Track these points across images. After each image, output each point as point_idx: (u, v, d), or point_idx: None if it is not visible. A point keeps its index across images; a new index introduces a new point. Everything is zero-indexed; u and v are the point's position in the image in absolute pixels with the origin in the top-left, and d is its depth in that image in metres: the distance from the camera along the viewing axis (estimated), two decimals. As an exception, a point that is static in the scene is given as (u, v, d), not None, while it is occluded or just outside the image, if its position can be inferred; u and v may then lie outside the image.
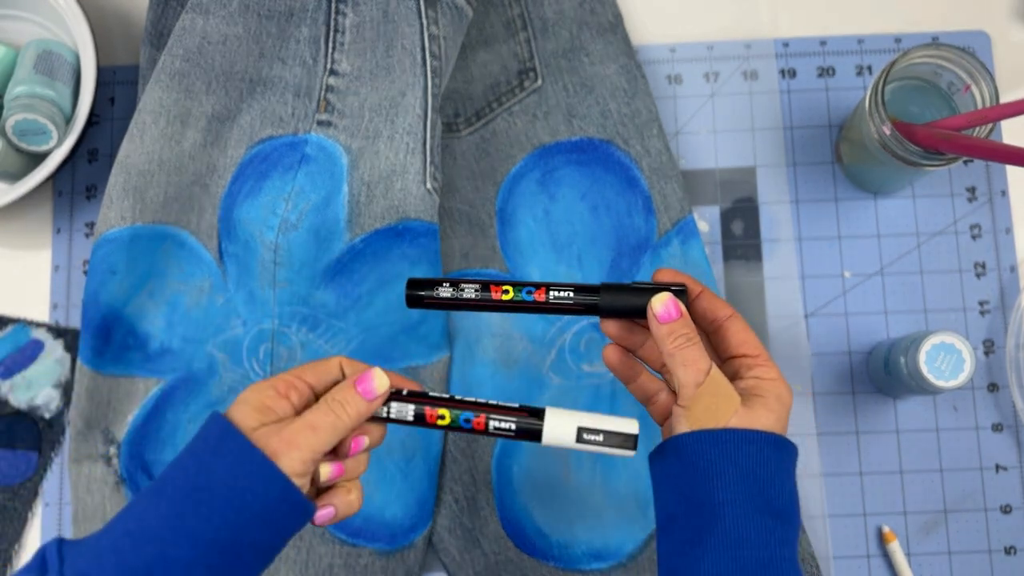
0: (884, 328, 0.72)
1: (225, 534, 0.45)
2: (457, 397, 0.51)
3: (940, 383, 0.62)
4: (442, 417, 0.50)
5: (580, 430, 0.49)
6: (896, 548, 0.68)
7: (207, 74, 0.69)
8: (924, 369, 0.62)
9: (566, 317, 0.70)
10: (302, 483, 0.47)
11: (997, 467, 0.70)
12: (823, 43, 0.75)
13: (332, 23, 0.70)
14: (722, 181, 0.74)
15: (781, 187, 0.74)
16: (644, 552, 0.67)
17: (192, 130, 0.69)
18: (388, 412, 0.50)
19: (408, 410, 0.50)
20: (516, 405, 0.50)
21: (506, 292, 0.53)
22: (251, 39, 0.70)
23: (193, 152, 0.69)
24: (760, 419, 0.48)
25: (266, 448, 0.46)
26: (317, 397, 0.49)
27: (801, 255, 0.73)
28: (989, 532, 0.69)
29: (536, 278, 0.71)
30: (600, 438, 0.49)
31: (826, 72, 0.75)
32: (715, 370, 0.48)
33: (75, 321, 0.73)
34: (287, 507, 0.46)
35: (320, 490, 0.50)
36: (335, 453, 0.50)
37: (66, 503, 0.71)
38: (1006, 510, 0.69)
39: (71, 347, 0.73)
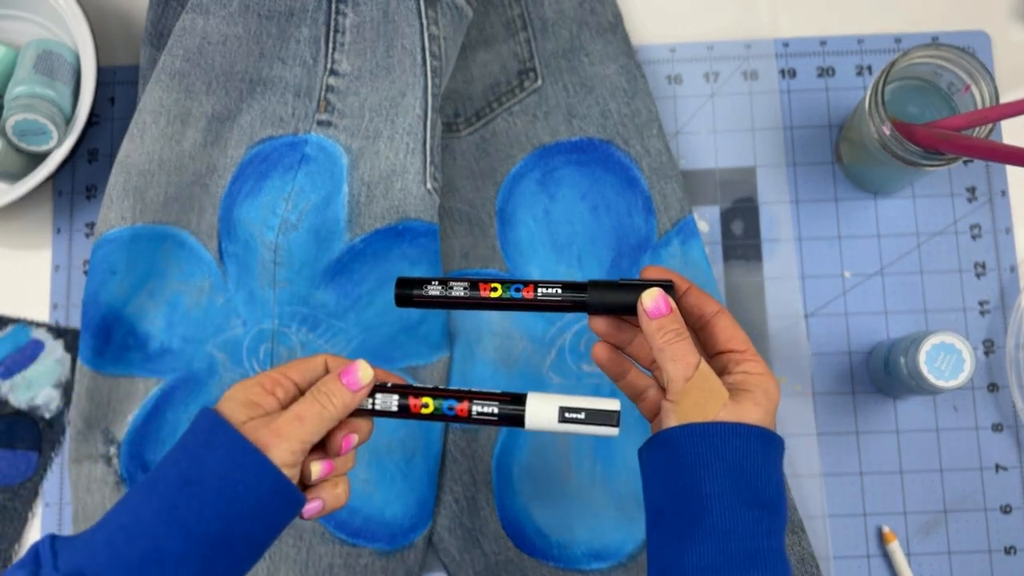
0: (884, 328, 0.72)
1: (217, 527, 0.45)
2: (441, 388, 0.51)
3: (940, 383, 0.62)
4: (426, 406, 0.50)
5: (562, 410, 0.49)
6: (896, 548, 0.68)
7: (207, 74, 0.69)
8: (924, 369, 0.62)
9: (566, 317, 0.70)
10: (292, 474, 0.47)
11: (997, 467, 0.70)
12: (823, 43, 0.75)
13: (332, 23, 0.70)
14: (722, 181, 0.74)
15: (781, 187, 0.74)
16: (644, 552, 0.67)
17: (192, 130, 0.69)
18: (373, 405, 0.51)
19: (392, 401, 0.51)
20: (499, 391, 0.50)
21: (495, 290, 0.54)
22: (251, 39, 0.70)
23: (193, 152, 0.69)
24: (748, 413, 0.48)
25: (256, 440, 0.46)
26: (302, 393, 0.50)
27: (801, 255, 0.73)
28: (989, 532, 0.69)
29: (536, 278, 0.70)
30: (582, 416, 0.49)
31: (826, 72, 0.75)
32: (704, 365, 0.49)
33: (75, 321, 0.73)
34: (278, 498, 0.47)
35: (307, 485, 0.50)
36: (325, 451, 0.50)
37: (66, 503, 0.71)
38: (1006, 510, 0.69)
39: (71, 347, 0.73)
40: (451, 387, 0.51)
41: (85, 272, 0.74)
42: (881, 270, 0.72)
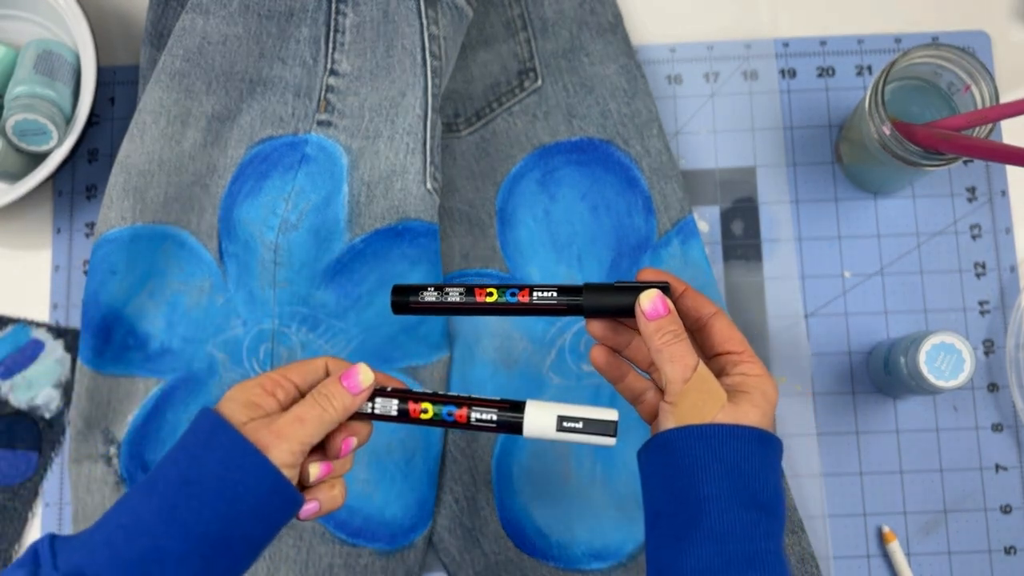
0: (884, 328, 0.72)
1: (216, 526, 0.45)
2: (440, 393, 0.51)
3: (940, 383, 0.62)
4: (425, 411, 0.50)
5: (560, 419, 0.49)
6: (896, 548, 0.68)
7: (207, 74, 0.69)
8: (924, 369, 0.62)
9: (566, 317, 0.70)
10: (291, 475, 0.47)
11: (997, 467, 0.70)
12: (823, 43, 0.75)
13: (332, 23, 0.70)
14: (722, 181, 0.74)
15: (781, 187, 0.74)
16: (644, 552, 0.67)
17: (192, 130, 0.69)
18: (373, 408, 0.51)
19: (392, 405, 0.51)
20: (498, 398, 0.51)
21: (490, 295, 0.54)
22: (251, 39, 0.70)
23: (193, 152, 0.69)
24: (746, 415, 0.48)
25: (256, 441, 0.46)
26: (302, 395, 0.50)
27: (801, 255, 0.73)
28: (989, 532, 0.69)
29: (536, 278, 0.71)
30: (580, 425, 0.49)
31: (826, 72, 0.75)
32: (702, 366, 0.49)
33: (75, 321, 0.73)
34: (277, 498, 0.47)
35: (305, 486, 0.50)
36: (324, 453, 0.50)
37: (66, 503, 0.71)
38: (1006, 510, 0.69)
39: (71, 347, 0.73)
40: (451, 392, 0.51)
41: (85, 272, 0.74)
42: (881, 270, 0.72)
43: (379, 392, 0.51)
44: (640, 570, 0.67)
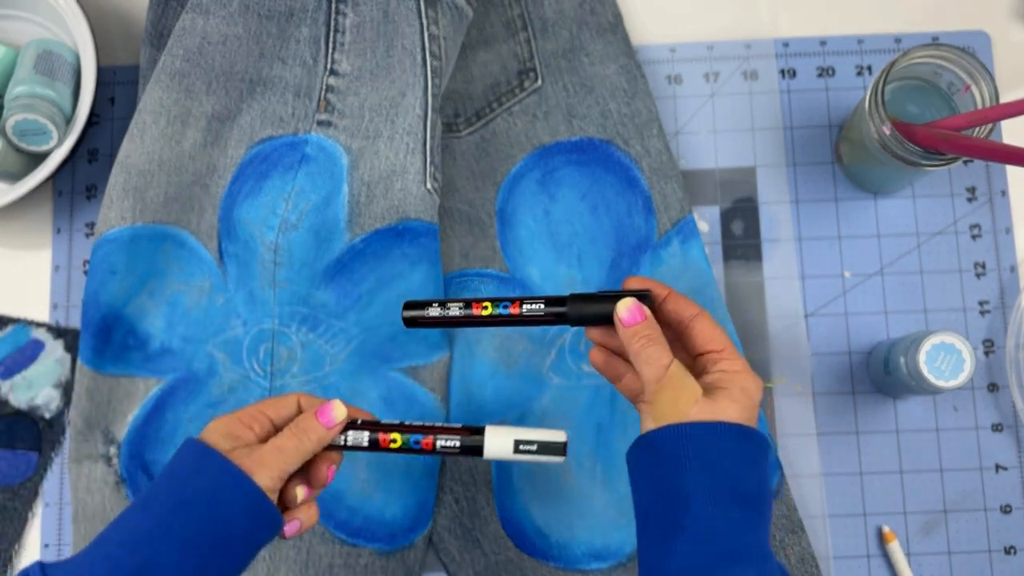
0: (884, 328, 0.72)
1: (208, 543, 0.48)
2: (407, 423, 0.56)
3: (940, 383, 0.62)
4: (394, 441, 0.55)
5: (516, 442, 0.54)
6: (896, 548, 0.68)
7: (207, 74, 0.69)
8: (924, 369, 0.62)
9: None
10: (272, 499, 0.51)
11: (997, 467, 0.70)
12: (823, 43, 0.75)
13: (332, 23, 0.70)
14: (722, 181, 0.74)
15: (781, 187, 0.74)
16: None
17: (192, 130, 0.69)
18: (345, 440, 0.55)
19: (363, 437, 0.55)
20: (460, 425, 0.56)
21: (485, 308, 0.58)
22: (251, 39, 0.70)
23: (193, 152, 0.69)
24: (724, 411, 0.49)
25: (241, 467, 0.50)
26: (276, 429, 0.53)
27: (801, 255, 0.73)
28: (989, 532, 0.69)
29: (536, 278, 0.71)
30: (534, 448, 0.54)
31: (826, 72, 0.75)
32: (675, 365, 0.50)
33: (75, 321, 0.73)
34: (264, 519, 0.50)
35: (286, 507, 0.54)
36: (304, 478, 0.54)
37: (66, 503, 0.71)
38: (1006, 510, 0.69)
39: (71, 347, 0.73)
40: (416, 422, 0.56)
41: (85, 272, 0.74)
42: (881, 270, 0.72)
43: (351, 425, 0.55)
44: (640, 570, 0.67)
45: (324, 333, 0.69)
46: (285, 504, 0.53)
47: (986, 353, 0.71)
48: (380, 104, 0.68)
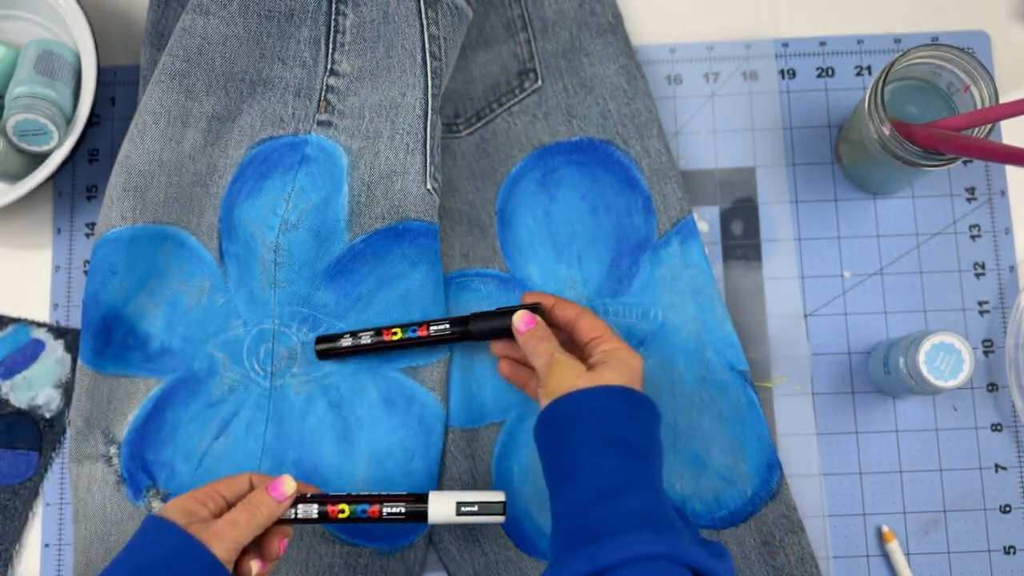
0: (884, 328, 0.72)
1: None
2: (353, 494, 0.60)
3: (940, 383, 0.62)
4: (342, 511, 0.59)
5: (458, 504, 0.59)
6: (895, 548, 0.68)
7: (207, 75, 0.69)
8: (924, 369, 0.62)
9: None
10: (228, 569, 0.54)
11: (996, 467, 0.70)
12: (823, 43, 0.75)
13: (332, 23, 0.70)
14: (722, 181, 0.74)
15: (781, 187, 0.74)
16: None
17: (192, 130, 0.69)
18: (296, 513, 0.59)
19: (312, 509, 0.59)
20: (404, 493, 0.60)
21: (395, 333, 0.65)
22: (251, 40, 0.70)
23: (193, 152, 0.69)
24: (604, 377, 0.56)
25: (198, 539, 0.53)
26: (229, 506, 0.57)
27: (801, 255, 0.73)
28: (988, 532, 0.69)
29: (536, 278, 0.71)
30: (476, 508, 0.59)
31: (826, 72, 0.75)
32: (559, 352, 0.59)
33: (76, 321, 0.73)
34: None
35: None
36: (257, 553, 0.57)
37: (66, 503, 0.71)
38: (1005, 510, 0.69)
39: (72, 347, 0.73)
40: (362, 492, 0.60)
41: (85, 272, 0.74)
42: (881, 270, 0.72)
43: (300, 499, 0.59)
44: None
45: (324, 333, 0.69)
46: None
47: (985, 353, 0.71)
48: (380, 104, 0.68)
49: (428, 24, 0.68)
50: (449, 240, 0.72)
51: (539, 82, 0.74)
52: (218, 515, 0.55)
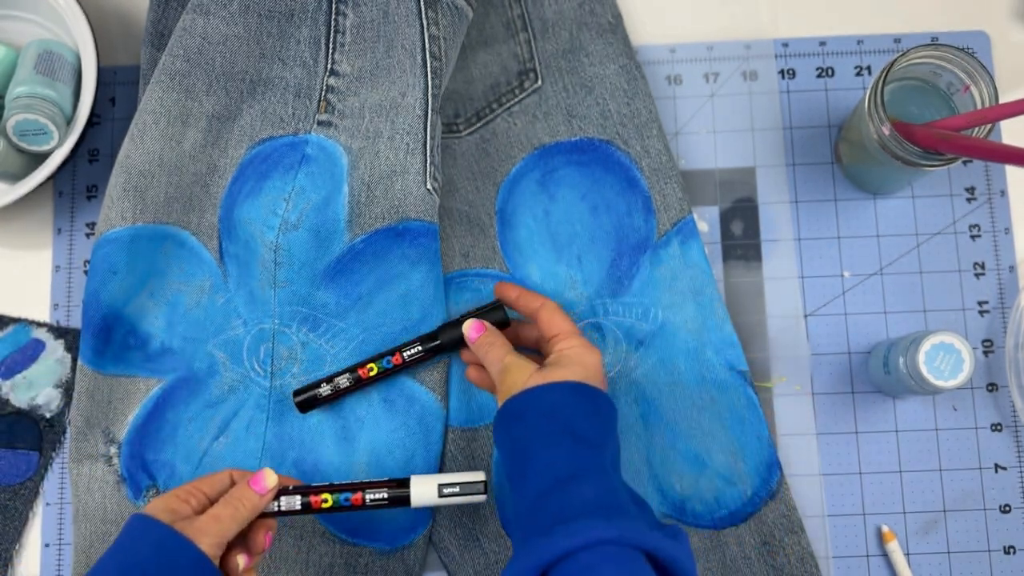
0: (884, 328, 0.72)
1: None
2: (336, 483, 0.60)
3: (939, 383, 0.62)
4: (325, 501, 0.59)
5: (440, 487, 0.60)
6: (895, 548, 0.68)
7: (207, 74, 0.69)
8: (923, 369, 0.62)
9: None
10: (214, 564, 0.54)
11: (996, 467, 0.70)
12: (823, 43, 0.75)
13: (332, 24, 0.70)
14: (722, 181, 0.74)
15: (781, 187, 0.74)
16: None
17: (192, 130, 0.69)
18: (279, 507, 0.59)
19: (296, 501, 0.59)
20: (386, 479, 0.60)
21: (371, 369, 0.66)
22: (251, 40, 0.70)
23: (193, 152, 0.69)
24: (554, 376, 0.57)
25: (183, 535, 0.54)
26: (211, 503, 0.57)
27: (800, 255, 0.73)
28: (988, 532, 0.69)
29: (536, 278, 0.71)
30: (457, 489, 0.60)
31: (825, 72, 0.75)
32: (510, 356, 0.60)
33: (76, 321, 0.73)
34: None
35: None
36: (244, 548, 0.58)
37: (67, 503, 0.71)
38: (1005, 510, 0.69)
39: (72, 347, 0.73)
40: (344, 481, 0.61)
41: (86, 272, 0.74)
42: (880, 270, 0.72)
43: (283, 491, 0.59)
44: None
45: (324, 333, 0.69)
46: (227, 573, 0.57)
47: (985, 353, 0.71)
48: (380, 104, 0.68)
49: (428, 24, 0.68)
50: (449, 240, 0.72)
51: (539, 82, 0.74)
52: (201, 512, 0.56)
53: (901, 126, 0.64)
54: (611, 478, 0.54)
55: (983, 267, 0.72)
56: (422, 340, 0.66)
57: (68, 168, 0.76)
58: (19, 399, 0.72)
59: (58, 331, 0.73)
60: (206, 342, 0.69)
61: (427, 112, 0.67)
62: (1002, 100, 0.65)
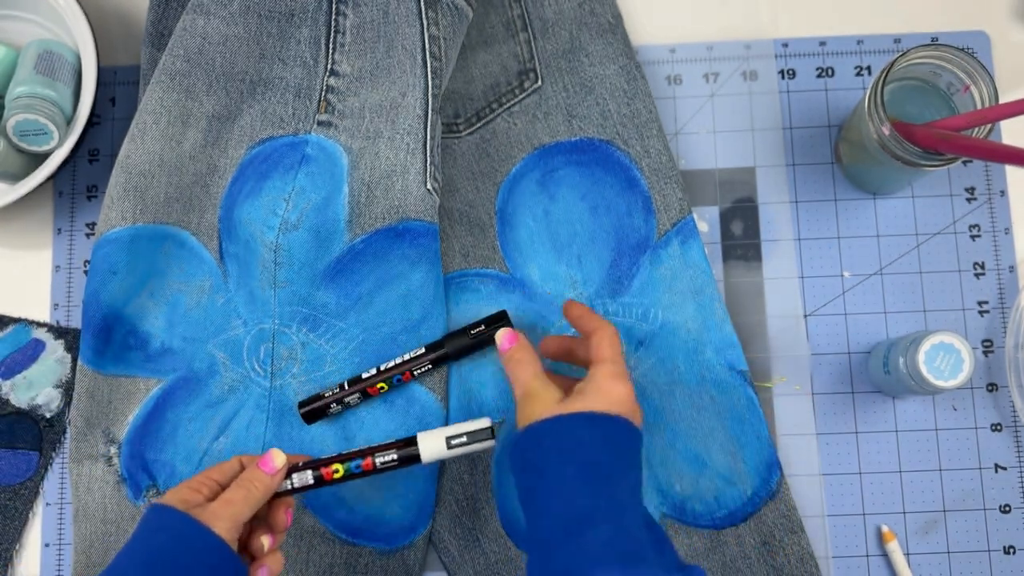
0: (883, 328, 0.72)
1: None
2: (343, 452, 0.60)
3: (939, 383, 0.62)
4: (336, 471, 0.59)
5: (447, 439, 0.59)
6: (895, 548, 0.68)
7: (208, 74, 0.69)
8: (923, 369, 0.62)
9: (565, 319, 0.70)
10: (232, 547, 0.54)
11: (996, 467, 0.70)
12: (823, 43, 0.75)
13: (332, 24, 0.70)
14: (722, 181, 0.74)
15: (781, 187, 0.74)
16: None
17: (193, 130, 0.69)
18: (292, 484, 0.59)
19: (307, 476, 0.59)
20: (393, 440, 0.60)
21: (382, 388, 0.67)
22: (252, 40, 0.70)
23: (194, 152, 0.69)
24: (575, 407, 0.55)
25: (198, 520, 0.54)
26: (223, 489, 0.57)
27: (800, 255, 0.73)
28: (988, 532, 0.69)
29: (536, 278, 0.71)
30: (465, 439, 0.59)
31: (825, 72, 0.75)
32: (536, 379, 0.58)
33: (76, 321, 0.73)
34: (227, 566, 0.54)
35: (253, 558, 0.58)
36: (270, 529, 0.58)
37: (67, 503, 0.71)
38: (1005, 510, 0.69)
39: (72, 347, 0.73)
40: (352, 449, 0.60)
41: (86, 272, 0.74)
42: (880, 270, 0.72)
43: (294, 468, 0.59)
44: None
45: (324, 333, 0.69)
46: (253, 555, 0.57)
47: (985, 353, 0.71)
48: (380, 104, 0.68)
49: (428, 24, 0.68)
50: (449, 240, 0.72)
51: (539, 82, 0.74)
52: (213, 499, 0.56)
53: (901, 126, 0.64)
54: (627, 517, 0.52)
55: (983, 267, 0.72)
56: (429, 351, 0.66)
57: (68, 168, 0.76)
58: (19, 399, 0.72)
59: (58, 331, 0.73)
60: (206, 342, 0.69)
61: (427, 112, 0.67)
62: (1002, 100, 0.65)
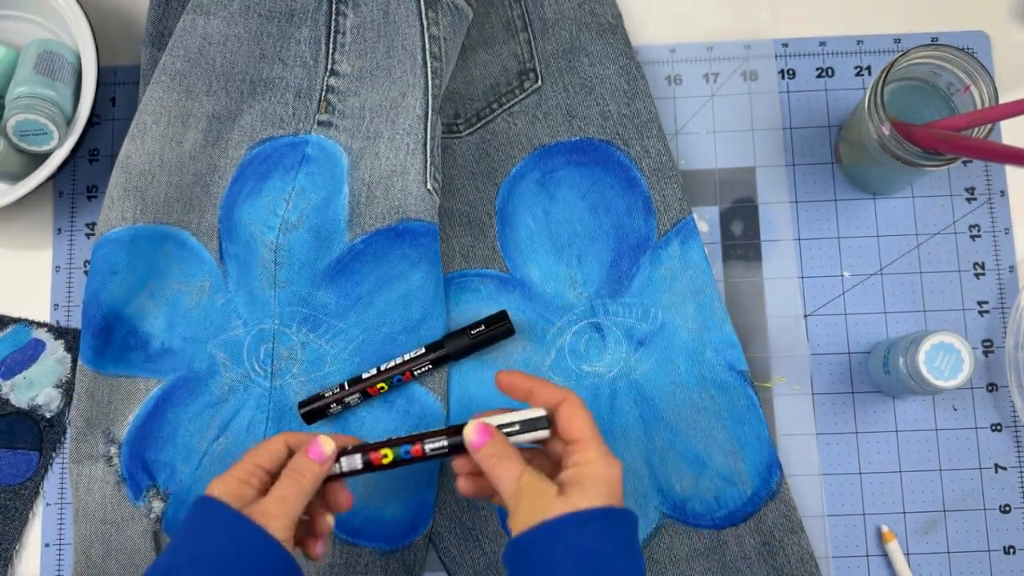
0: (883, 328, 0.72)
1: None
2: (393, 438, 0.58)
3: (939, 383, 0.62)
4: (385, 456, 0.57)
5: (499, 427, 0.56)
6: (895, 548, 0.68)
7: (208, 75, 0.69)
8: (923, 369, 0.62)
9: (566, 317, 0.70)
10: (287, 547, 0.52)
11: (996, 467, 0.70)
12: (823, 43, 0.75)
13: (333, 24, 0.70)
14: (722, 181, 0.74)
15: (781, 187, 0.74)
16: (643, 549, 0.67)
17: (193, 131, 0.69)
18: (341, 468, 0.57)
19: (356, 460, 0.57)
20: (443, 428, 0.57)
21: (382, 388, 0.67)
22: (252, 40, 0.70)
23: (194, 152, 0.69)
24: (576, 503, 0.51)
25: (255, 523, 0.52)
26: (269, 474, 0.55)
27: (800, 255, 0.73)
28: (988, 532, 0.69)
29: (536, 278, 0.71)
30: (517, 428, 0.56)
31: (825, 72, 0.75)
32: (527, 474, 0.53)
33: (76, 321, 0.73)
34: (281, 568, 0.52)
35: (315, 535, 0.57)
36: (327, 507, 0.57)
37: (67, 503, 0.71)
38: (1005, 510, 0.69)
39: (72, 347, 0.73)
40: (402, 436, 0.58)
41: (86, 272, 0.74)
42: (880, 270, 0.72)
43: (342, 452, 0.57)
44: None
45: (324, 333, 0.69)
46: (316, 534, 0.57)
47: (985, 353, 0.71)
48: (380, 105, 0.68)
49: (428, 24, 0.68)
50: (449, 240, 0.72)
51: (539, 82, 0.74)
52: (263, 491, 0.54)
53: (901, 126, 0.64)
54: None
55: (983, 267, 0.72)
56: (429, 351, 0.67)
57: (68, 168, 0.76)
58: (19, 399, 0.72)
59: (58, 331, 0.73)
60: (206, 342, 0.69)
61: (427, 112, 0.67)
62: (1002, 100, 0.65)
